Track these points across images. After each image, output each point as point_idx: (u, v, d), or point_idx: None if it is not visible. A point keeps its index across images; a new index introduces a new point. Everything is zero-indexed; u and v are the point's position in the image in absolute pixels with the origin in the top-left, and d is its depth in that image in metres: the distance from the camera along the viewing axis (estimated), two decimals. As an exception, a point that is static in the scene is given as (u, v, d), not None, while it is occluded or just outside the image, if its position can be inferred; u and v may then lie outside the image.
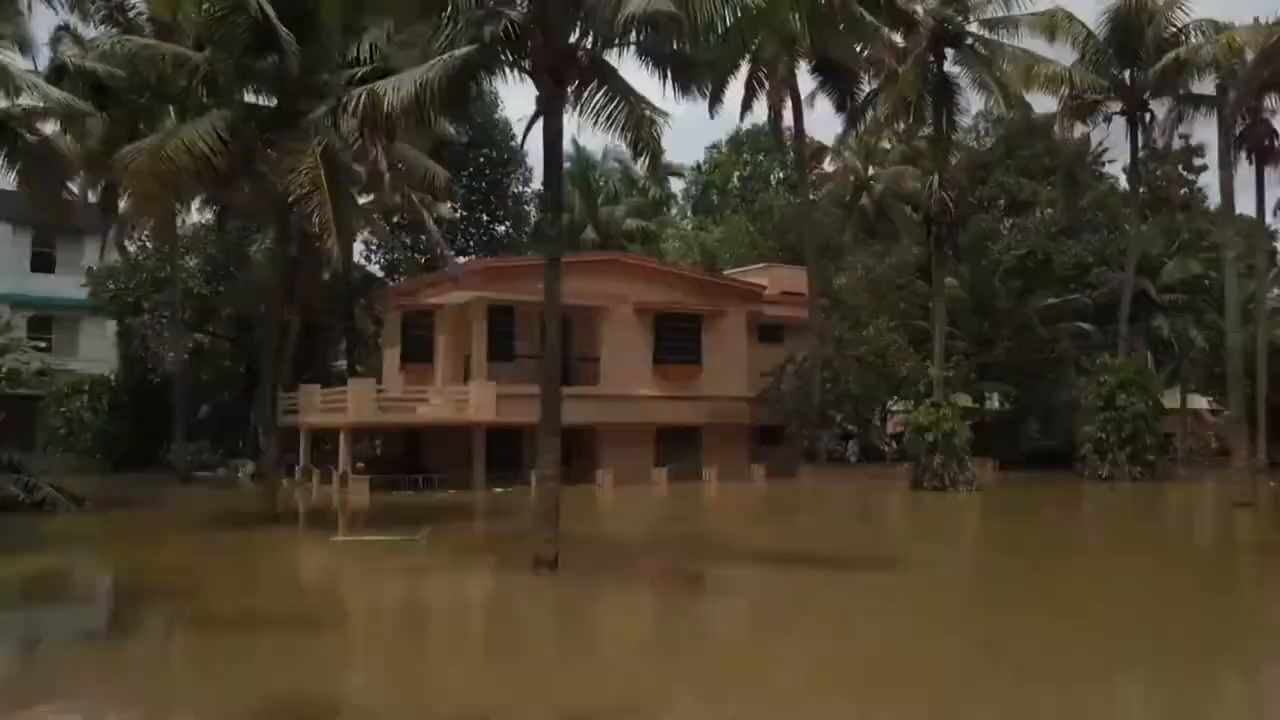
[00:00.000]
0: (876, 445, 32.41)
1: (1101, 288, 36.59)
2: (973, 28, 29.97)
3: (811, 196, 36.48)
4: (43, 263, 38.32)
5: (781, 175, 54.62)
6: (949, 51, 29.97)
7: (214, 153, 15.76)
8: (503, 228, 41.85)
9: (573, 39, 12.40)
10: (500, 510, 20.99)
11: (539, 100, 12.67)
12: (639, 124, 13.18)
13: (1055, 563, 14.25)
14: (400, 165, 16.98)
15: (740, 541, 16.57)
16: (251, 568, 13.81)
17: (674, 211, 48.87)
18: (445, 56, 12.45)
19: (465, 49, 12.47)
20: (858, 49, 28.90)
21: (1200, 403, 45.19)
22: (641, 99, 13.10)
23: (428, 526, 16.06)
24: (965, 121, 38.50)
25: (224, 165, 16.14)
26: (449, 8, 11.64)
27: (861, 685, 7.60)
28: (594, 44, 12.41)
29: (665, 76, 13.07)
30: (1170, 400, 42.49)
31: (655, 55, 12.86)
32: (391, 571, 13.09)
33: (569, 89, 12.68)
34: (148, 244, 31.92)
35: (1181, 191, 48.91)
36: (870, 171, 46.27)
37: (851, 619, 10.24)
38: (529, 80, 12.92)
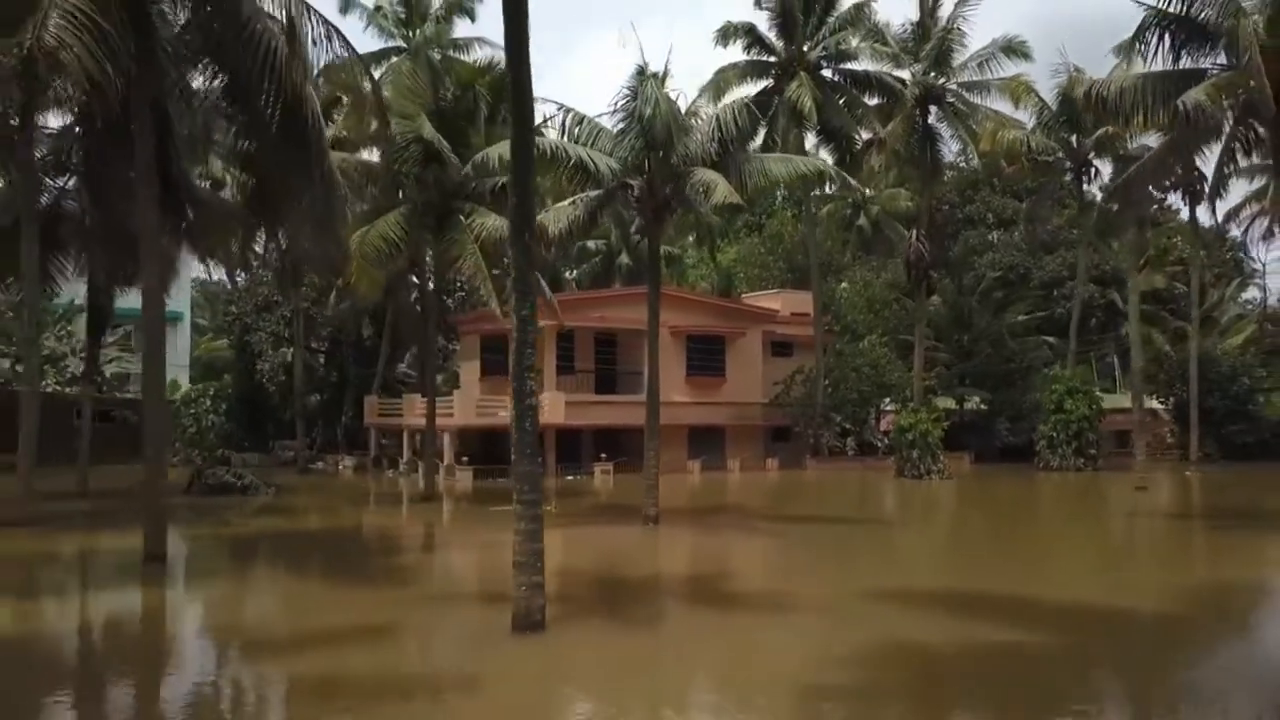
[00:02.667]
0: (871, 441, 40.16)
1: (1073, 301, 44.90)
2: (952, 86, 38.57)
3: (814, 209, 44.54)
4: (111, 278, 46.43)
5: (785, 193, 63.11)
6: (932, 109, 38.59)
7: (399, 239, 24.08)
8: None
9: (668, 191, 20.71)
10: (578, 491, 29.40)
11: (643, 227, 21.14)
12: (700, 224, 21.89)
13: (981, 521, 22.96)
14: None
15: (775, 509, 25.08)
16: (466, 526, 22.22)
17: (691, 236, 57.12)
18: (583, 197, 20.88)
19: (595, 193, 20.85)
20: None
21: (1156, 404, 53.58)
22: (703, 210, 21.69)
23: (551, 499, 24.47)
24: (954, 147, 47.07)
25: (406, 247, 24.46)
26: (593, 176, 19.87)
27: (875, 570, 16.03)
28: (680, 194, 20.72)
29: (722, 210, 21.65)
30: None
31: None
32: (553, 527, 21.29)
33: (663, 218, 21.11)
34: (259, 273, 40.29)
35: (1152, 209, 57.34)
36: (867, 193, 54.89)
37: (865, 544, 18.61)
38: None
